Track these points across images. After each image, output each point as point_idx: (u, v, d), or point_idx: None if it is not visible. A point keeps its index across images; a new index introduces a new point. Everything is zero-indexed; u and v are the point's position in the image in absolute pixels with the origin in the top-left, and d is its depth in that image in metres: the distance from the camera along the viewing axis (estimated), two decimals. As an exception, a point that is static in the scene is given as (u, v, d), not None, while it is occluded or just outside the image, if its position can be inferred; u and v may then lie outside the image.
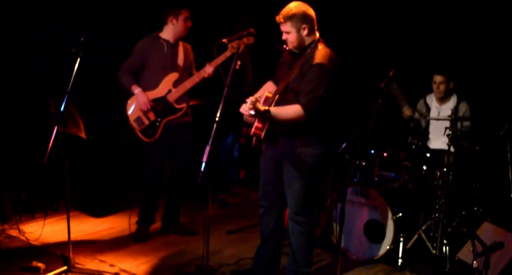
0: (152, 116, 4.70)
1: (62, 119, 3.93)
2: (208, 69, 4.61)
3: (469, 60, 5.48)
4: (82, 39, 3.98)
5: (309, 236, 3.91)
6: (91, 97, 5.62)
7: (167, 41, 4.72)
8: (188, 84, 4.71)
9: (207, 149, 3.36)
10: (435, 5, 5.60)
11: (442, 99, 5.11)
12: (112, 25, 5.69)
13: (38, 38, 5.42)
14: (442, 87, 5.02)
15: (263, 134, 3.66)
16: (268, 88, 3.91)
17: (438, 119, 5.00)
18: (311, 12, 3.66)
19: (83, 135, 5.42)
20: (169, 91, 4.71)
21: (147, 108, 4.65)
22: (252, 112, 3.38)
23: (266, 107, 3.46)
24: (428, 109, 5.18)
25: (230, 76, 3.57)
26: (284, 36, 3.66)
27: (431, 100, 5.20)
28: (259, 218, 4.10)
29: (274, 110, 3.53)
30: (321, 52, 3.64)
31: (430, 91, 5.19)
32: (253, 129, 3.69)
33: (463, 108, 5.01)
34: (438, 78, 5.03)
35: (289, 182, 3.80)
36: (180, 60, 4.75)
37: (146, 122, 4.71)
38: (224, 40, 3.59)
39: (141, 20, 5.83)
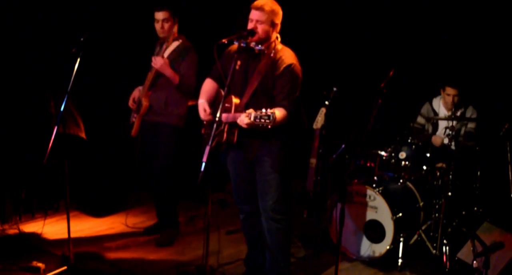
0: (135, 114, 4.76)
1: (62, 119, 3.93)
2: (157, 61, 4.50)
3: (467, 60, 5.46)
4: (82, 39, 3.98)
5: (287, 234, 3.89)
6: (91, 97, 5.61)
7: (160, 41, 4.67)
8: (146, 81, 4.67)
9: (207, 148, 3.34)
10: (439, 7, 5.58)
11: (451, 108, 4.96)
12: (112, 25, 5.68)
13: (38, 38, 5.41)
14: (456, 99, 4.84)
15: (235, 139, 3.67)
16: (211, 87, 3.89)
17: (443, 119, 4.94)
18: (281, 14, 3.72)
19: (83, 135, 5.41)
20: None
21: (130, 104, 4.76)
22: (269, 126, 3.31)
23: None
24: (436, 115, 5.03)
25: (230, 76, 3.56)
26: (252, 25, 3.63)
27: (438, 105, 5.04)
28: (241, 223, 4.10)
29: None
30: (287, 53, 3.71)
31: (435, 94, 5.08)
32: (225, 135, 3.65)
33: (470, 112, 4.92)
34: (451, 91, 4.84)
35: (265, 179, 3.77)
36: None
37: (133, 119, 4.76)
38: (224, 40, 3.57)
39: (141, 20, 5.82)
